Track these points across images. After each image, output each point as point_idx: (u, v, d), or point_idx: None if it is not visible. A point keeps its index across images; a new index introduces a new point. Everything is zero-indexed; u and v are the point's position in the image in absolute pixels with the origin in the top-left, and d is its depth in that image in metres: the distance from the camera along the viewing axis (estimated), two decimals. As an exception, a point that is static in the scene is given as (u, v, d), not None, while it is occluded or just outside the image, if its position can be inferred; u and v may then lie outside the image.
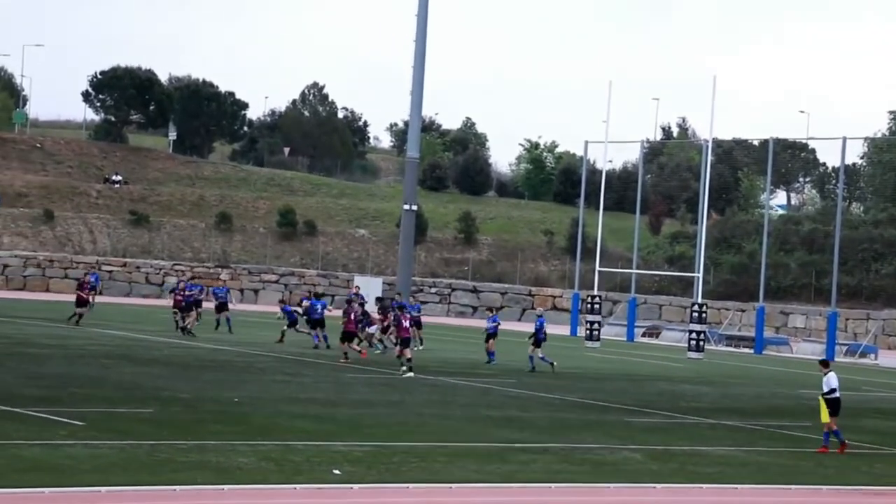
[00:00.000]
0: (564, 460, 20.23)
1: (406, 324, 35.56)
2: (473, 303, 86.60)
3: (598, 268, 65.49)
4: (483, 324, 46.02)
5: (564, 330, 68.23)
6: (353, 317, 36.97)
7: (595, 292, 64.05)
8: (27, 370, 28.81)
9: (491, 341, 40.64)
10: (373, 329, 41.40)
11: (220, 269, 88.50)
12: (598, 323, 61.71)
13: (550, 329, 44.04)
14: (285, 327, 44.74)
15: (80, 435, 19.10)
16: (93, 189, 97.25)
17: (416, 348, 40.30)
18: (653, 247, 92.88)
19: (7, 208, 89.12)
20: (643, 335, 70.09)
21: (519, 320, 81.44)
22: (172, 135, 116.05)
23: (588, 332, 60.70)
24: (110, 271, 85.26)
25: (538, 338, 38.89)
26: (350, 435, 21.39)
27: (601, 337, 60.97)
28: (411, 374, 33.71)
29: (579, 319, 67.48)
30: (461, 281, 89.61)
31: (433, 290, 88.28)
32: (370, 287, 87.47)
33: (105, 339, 41.32)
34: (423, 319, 48.17)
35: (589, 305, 62.43)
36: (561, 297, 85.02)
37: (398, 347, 35.77)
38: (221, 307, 49.14)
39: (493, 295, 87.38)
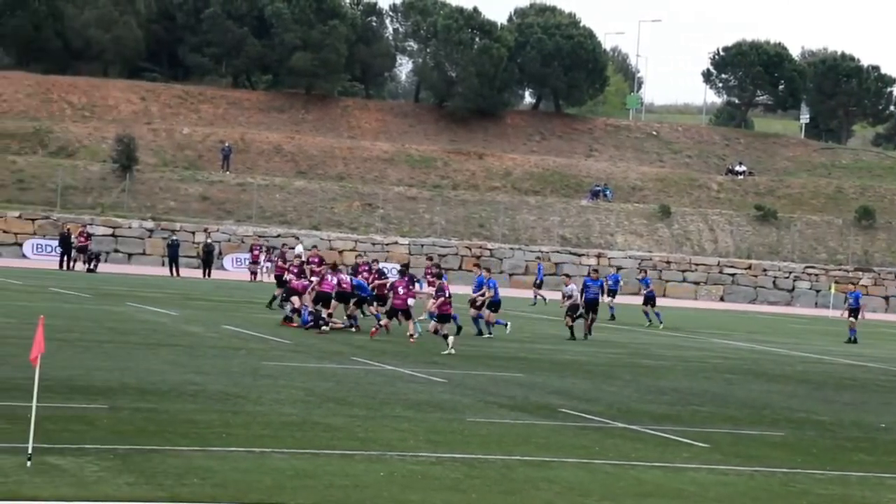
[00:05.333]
0: None
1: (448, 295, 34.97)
2: None
3: None
4: None
5: None
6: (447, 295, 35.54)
7: None
8: (645, 384, 29.82)
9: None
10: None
11: (860, 273, 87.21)
12: None
13: None
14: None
15: (705, 458, 19.53)
16: (713, 181, 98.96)
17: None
18: None
19: (620, 203, 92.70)
20: None
21: None
22: (805, 117, 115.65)
23: None
24: (732, 274, 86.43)
25: None
26: None
27: None
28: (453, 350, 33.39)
29: None
30: None
31: None
32: None
33: (728, 352, 41.96)
34: None
35: None
36: None
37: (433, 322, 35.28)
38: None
39: None
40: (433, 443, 19.05)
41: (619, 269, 68.14)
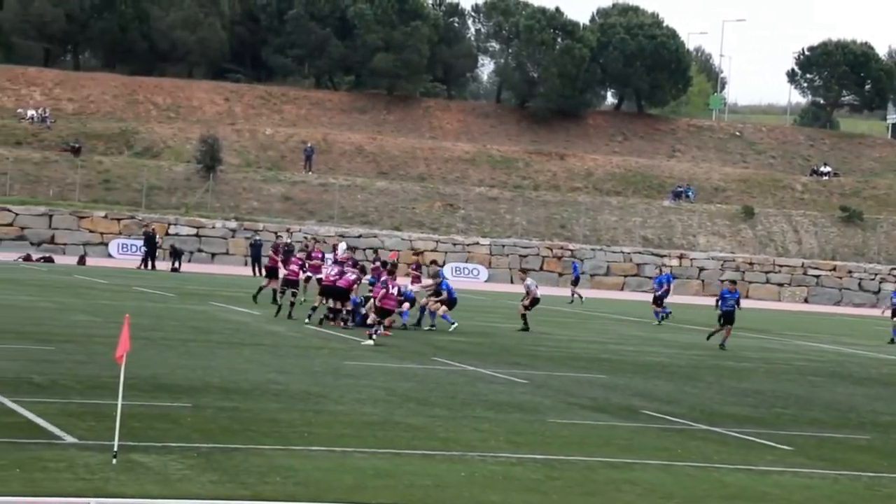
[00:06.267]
0: None
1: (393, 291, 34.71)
2: None
3: None
4: None
5: None
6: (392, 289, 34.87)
7: None
8: (728, 386, 29.62)
9: None
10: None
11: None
12: None
13: None
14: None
15: (789, 461, 19.35)
16: (798, 182, 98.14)
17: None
18: None
19: (703, 204, 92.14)
20: None
21: None
22: (892, 118, 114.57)
23: None
24: (817, 276, 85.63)
25: None
26: None
27: None
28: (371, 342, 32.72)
29: None
30: None
31: None
32: None
33: (813, 354, 41.58)
34: None
35: None
36: None
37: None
38: None
39: None
40: (514, 444, 19.02)
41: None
